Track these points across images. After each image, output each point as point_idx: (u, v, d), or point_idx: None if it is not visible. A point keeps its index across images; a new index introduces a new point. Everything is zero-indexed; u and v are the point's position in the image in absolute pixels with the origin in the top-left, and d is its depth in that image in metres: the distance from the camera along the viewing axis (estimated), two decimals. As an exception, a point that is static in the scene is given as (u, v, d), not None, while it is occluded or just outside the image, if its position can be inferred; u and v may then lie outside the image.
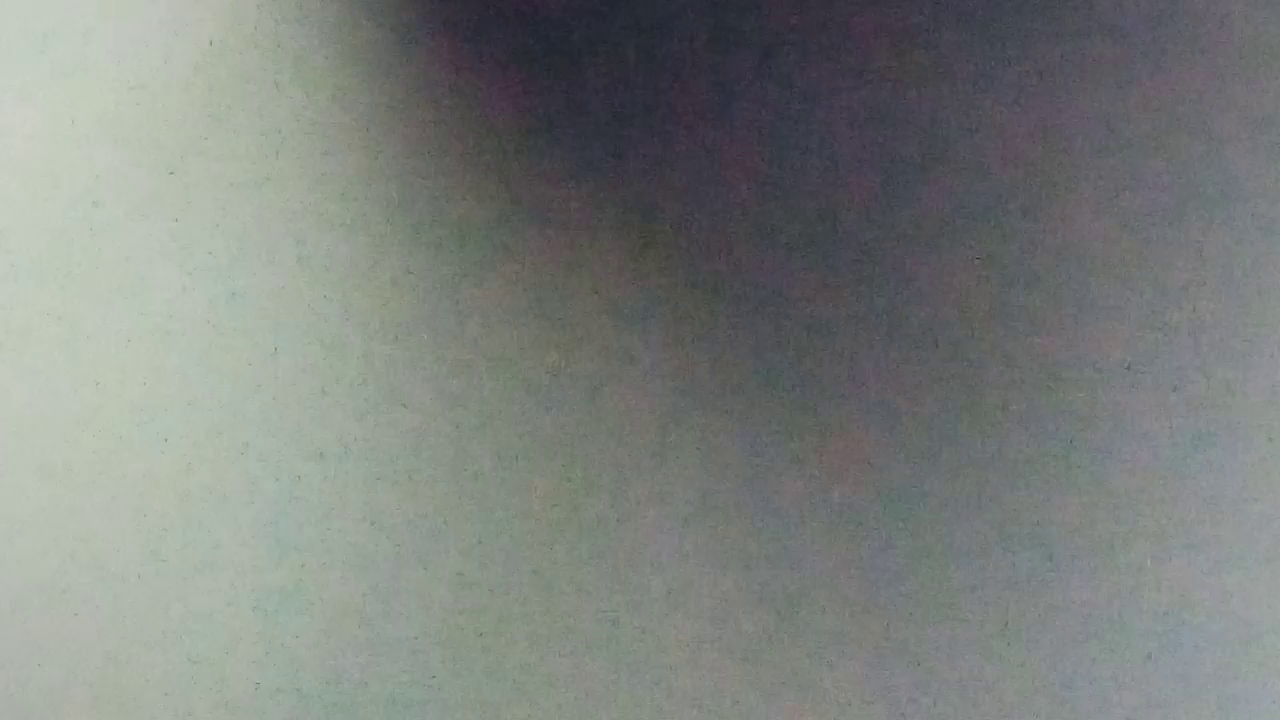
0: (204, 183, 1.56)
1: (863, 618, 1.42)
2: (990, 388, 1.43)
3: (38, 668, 1.51)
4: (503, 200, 1.52)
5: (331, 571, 1.49)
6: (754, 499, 1.45)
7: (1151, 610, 1.39)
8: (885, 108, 1.48)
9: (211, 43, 1.57)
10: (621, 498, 1.47)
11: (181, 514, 1.51)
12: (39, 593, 1.52)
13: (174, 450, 1.52)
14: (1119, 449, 1.41)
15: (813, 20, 1.50)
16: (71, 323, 1.55)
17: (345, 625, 1.48)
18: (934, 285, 1.45)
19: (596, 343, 1.49)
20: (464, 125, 1.53)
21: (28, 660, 1.51)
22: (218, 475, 1.52)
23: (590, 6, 1.54)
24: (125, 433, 1.53)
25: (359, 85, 1.55)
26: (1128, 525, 1.41)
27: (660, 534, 1.46)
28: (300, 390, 1.52)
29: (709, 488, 1.46)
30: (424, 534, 1.49)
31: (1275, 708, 1.37)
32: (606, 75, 1.52)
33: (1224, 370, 1.41)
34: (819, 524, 1.44)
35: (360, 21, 1.56)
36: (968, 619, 1.41)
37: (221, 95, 1.56)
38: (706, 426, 1.46)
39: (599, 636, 1.45)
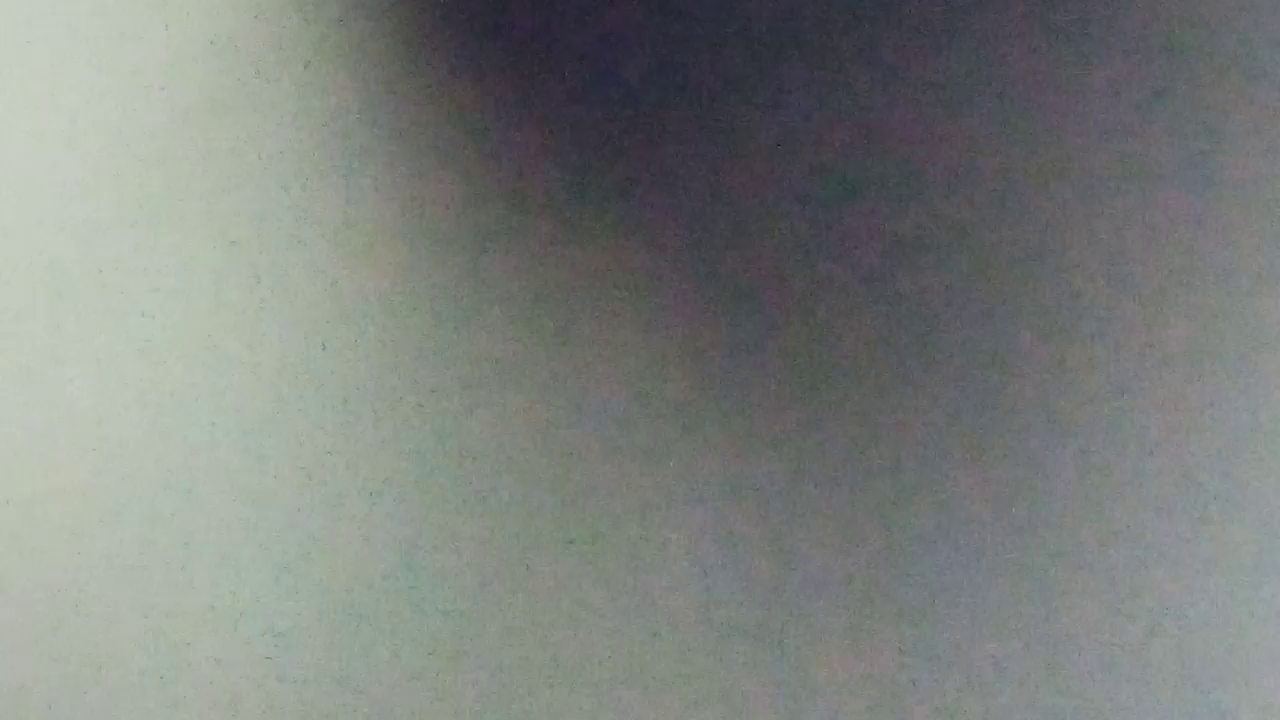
0: (201, 184, 1.56)
1: (862, 615, 1.43)
2: (989, 387, 1.44)
3: (38, 667, 1.51)
4: (504, 201, 1.52)
5: (331, 573, 1.49)
6: (754, 497, 1.45)
7: (1152, 609, 1.40)
8: (886, 109, 1.49)
9: (211, 43, 1.57)
10: (621, 497, 1.47)
11: (180, 516, 1.52)
12: (39, 592, 1.52)
13: (173, 453, 1.52)
14: (1118, 447, 1.42)
15: (816, 22, 1.51)
16: (68, 326, 1.55)
17: (345, 627, 1.48)
18: (934, 285, 1.46)
19: (595, 343, 1.49)
20: (464, 126, 1.53)
21: (28, 660, 1.51)
22: (216, 479, 1.52)
23: (592, 7, 1.54)
24: (124, 436, 1.53)
25: (359, 87, 1.55)
26: (1127, 523, 1.41)
27: (660, 534, 1.46)
28: (299, 392, 1.52)
29: (709, 487, 1.46)
30: (423, 534, 1.49)
31: (1275, 707, 1.37)
32: (607, 77, 1.52)
33: (1225, 370, 1.42)
34: (819, 523, 1.44)
35: (361, 22, 1.56)
36: (967, 617, 1.41)
37: (220, 97, 1.57)
38: (706, 427, 1.47)
39: (598, 635, 1.45)
